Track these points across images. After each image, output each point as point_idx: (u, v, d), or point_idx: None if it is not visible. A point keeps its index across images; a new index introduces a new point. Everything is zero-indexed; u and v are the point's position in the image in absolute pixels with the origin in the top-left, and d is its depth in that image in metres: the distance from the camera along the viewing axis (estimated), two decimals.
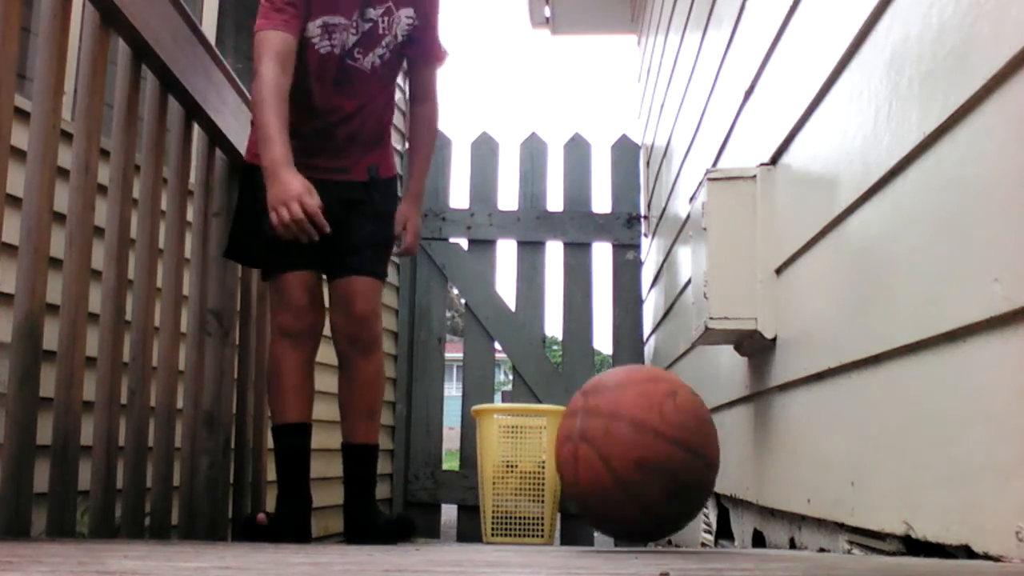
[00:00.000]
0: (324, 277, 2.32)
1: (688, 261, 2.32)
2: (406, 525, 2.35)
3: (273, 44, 2.12)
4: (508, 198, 4.47)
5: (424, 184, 2.55)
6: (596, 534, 4.28)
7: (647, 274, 4.30)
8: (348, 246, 2.27)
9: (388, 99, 2.40)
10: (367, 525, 2.24)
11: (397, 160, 2.92)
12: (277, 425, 2.25)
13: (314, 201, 2.04)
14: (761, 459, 1.88)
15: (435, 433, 4.31)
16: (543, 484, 3.82)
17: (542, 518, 3.82)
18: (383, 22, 2.26)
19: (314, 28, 2.20)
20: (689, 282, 2.42)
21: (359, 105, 2.29)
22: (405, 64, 2.44)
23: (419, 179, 2.51)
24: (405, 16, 2.29)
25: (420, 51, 2.40)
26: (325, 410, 2.65)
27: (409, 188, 2.51)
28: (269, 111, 2.08)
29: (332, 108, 2.27)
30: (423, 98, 2.49)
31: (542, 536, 3.82)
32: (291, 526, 2.17)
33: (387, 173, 2.41)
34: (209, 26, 3.72)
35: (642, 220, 4.41)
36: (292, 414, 2.23)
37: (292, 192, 2.02)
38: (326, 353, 2.38)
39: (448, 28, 2.36)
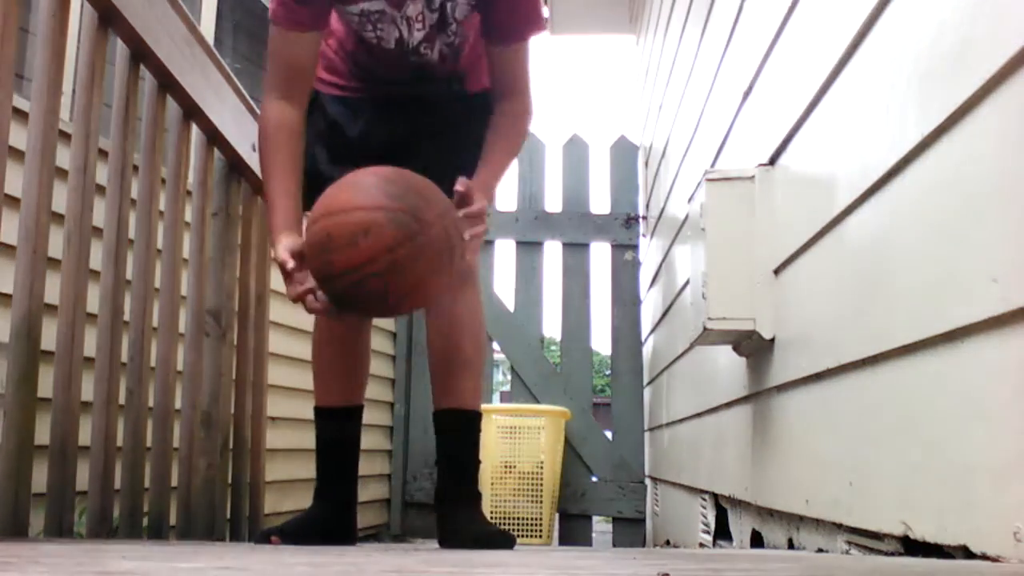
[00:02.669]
0: None
1: (686, 262, 2.33)
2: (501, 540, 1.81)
3: (280, 56, 1.77)
4: (506, 198, 4.47)
5: (496, 182, 1.88)
6: (594, 535, 4.28)
7: (645, 274, 4.30)
8: (435, 173, 1.80)
9: (470, 40, 1.89)
10: (455, 525, 1.85)
11: None
12: (315, 407, 1.99)
13: (303, 276, 1.65)
14: (759, 460, 1.88)
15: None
16: (541, 484, 3.82)
17: (540, 518, 3.82)
18: (449, 7, 1.79)
19: (350, 15, 1.81)
20: (687, 283, 2.42)
21: (433, 63, 1.88)
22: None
23: (490, 172, 1.83)
24: None
25: (489, 27, 1.81)
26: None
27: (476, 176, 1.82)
28: (266, 160, 1.76)
29: (394, 73, 1.90)
30: (506, 94, 1.87)
31: (540, 536, 3.82)
32: (313, 526, 1.89)
33: (476, 86, 1.95)
34: (207, 26, 3.73)
35: (640, 220, 4.41)
36: (329, 395, 1.97)
37: (279, 262, 1.68)
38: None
39: None
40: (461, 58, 1.94)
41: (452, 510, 1.88)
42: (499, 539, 1.79)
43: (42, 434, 1.50)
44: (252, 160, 2.39)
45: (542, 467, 3.83)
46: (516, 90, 1.88)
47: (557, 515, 4.03)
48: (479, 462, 1.95)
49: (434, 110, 1.93)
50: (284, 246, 1.69)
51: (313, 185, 1.82)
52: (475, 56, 1.95)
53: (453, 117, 1.93)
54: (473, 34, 1.91)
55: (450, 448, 1.93)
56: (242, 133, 2.33)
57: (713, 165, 2.43)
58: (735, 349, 2.00)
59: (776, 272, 1.77)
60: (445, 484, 1.91)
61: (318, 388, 2.00)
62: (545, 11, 5.55)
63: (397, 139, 1.91)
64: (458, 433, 1.92)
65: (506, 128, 1.88)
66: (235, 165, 2.36)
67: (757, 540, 1.96)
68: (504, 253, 4.49)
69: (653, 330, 4.02)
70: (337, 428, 1.98)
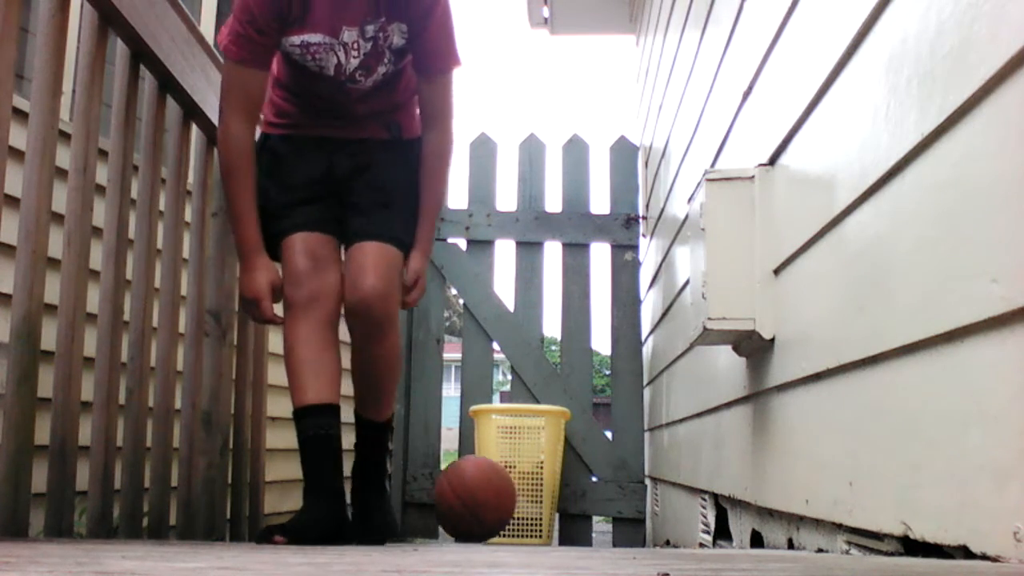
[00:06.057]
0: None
1: (686, 262, 2.33)
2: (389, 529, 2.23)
3: (237, 87, 1.99)
4: (506, 199, 4.47)
5: (432, 232, 2.20)
6: (594, 535, 4.29)
7: (645, 275, 4.30)
8: (364, 207, 2.09)
9: (406, 73, 2.13)
10: (371, 523, 2.17)
11: None
12: (294, 409, 2.04)
13: (270, 307, 2.06)
14: (759, 459, 1.88)
15: (433, 434, 4.31)
16: (541, 485, 3.82)
17: (540, 518, 3.82)
18: (381, 38, 2.02)
19: (291, 47, 2.01)
20: (687, 283, 2.42)
21: (371, 90, 2.09)
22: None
23: (427, 226, 2.16)
24: (398, 30, 2.03)
25: (415, 62, 2.09)
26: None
27: (416, 237, 2.15)
28: (235, 181, 2.01)
29: (336, 102, 2.12)
30: (430, 123, 2.14)
31: (540, 536, 3.81)
32: (315, 525, 1.92)
33: (411, 134, 2.18)
34: (207, 26, 3.73)
35: (640, 221, 4.41)
36: (306, 394, 2.01)
37: (254, 292, 2.04)
38: None
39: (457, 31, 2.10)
40: (397, 92, 2.15)
41: (366, 506, 2.21)
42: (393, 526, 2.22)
43: (42, 434, 1.50)
44: None
45: (542, 467, 3.83)
46: (438, 121, 2.14)
47: (557, 515, 4.03)
48: (383, 460, 2.30)
49: (371, 152, 2.14)
50: (266, 280, 2.05)
51: (262, 214, 2.09)
52: (411, 103, 2.18)
53: (387, 160, 2.15)
54: (408, 75, 2.14)
55: (367, 451, 2.23)
56: None
57: (713, 165, 2.43)
58: (735, 349, 2.00)
59: (776, 272, 1.77)
60: (361, 482, 2.23)
61: (293, 390, 2.05)
62: (545, 11, 5.56)
63: (336, 177, 2.14)
64: (375, 440, 2.24)
65: (429, 171, 2.16)
66: None
67: (757, 540, 1.96)
68: (504, 253, 4.49)
69: (653, 330, 4.02)
70: (313, 425, 2.01)
